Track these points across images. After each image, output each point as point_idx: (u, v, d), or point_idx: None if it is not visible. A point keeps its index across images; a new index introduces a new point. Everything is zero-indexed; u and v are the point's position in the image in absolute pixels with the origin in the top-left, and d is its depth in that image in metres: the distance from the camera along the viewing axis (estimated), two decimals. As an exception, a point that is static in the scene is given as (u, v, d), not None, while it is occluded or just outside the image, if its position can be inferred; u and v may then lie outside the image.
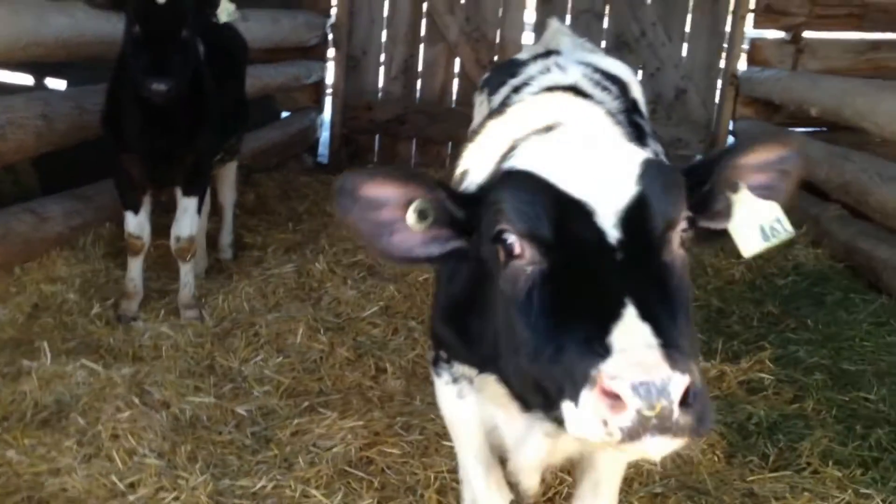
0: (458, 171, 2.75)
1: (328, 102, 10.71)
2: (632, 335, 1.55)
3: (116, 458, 3.81)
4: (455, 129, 9.91)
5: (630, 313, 1.59)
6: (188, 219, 5.48)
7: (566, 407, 1.60)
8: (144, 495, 3.61)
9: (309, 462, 3.95)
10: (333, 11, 10.26)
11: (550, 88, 2.92)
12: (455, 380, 2.71)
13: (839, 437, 4.35)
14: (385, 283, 6.14)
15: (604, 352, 1.54)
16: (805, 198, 7.95)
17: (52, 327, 5.10)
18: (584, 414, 1.53)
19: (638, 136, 2.95)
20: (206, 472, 3.78)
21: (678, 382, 1.48)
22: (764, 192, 2.15)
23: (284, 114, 10.19)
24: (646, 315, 1.59)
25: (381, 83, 10.57)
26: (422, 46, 10.44)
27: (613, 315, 1.59)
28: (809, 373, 5.04)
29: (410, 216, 1.94)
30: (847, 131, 8.03)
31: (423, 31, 10.36)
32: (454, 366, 2.67)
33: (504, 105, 2.92)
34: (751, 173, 2.14)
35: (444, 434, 4.24)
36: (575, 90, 2.90)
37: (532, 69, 3.47)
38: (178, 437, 4.06)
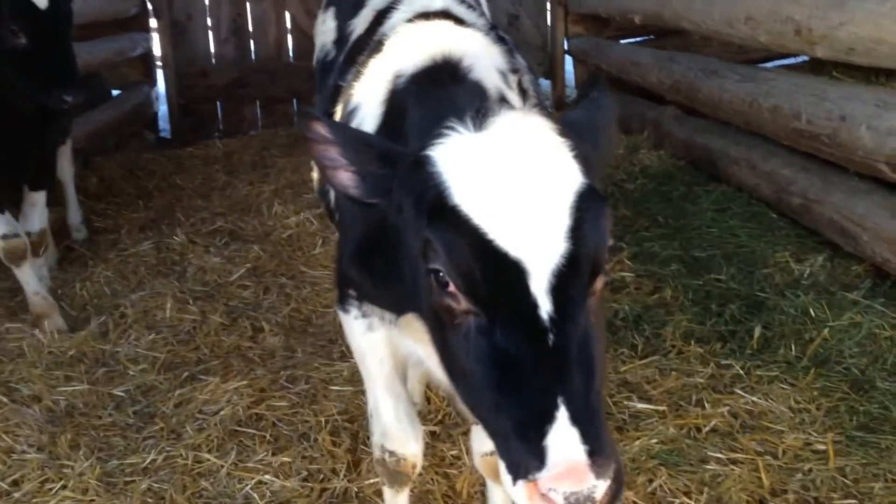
0: (346, 107, 2.72)
1: (160, 74, 10.28)
2: (564, 445, 1.63)
3: (-7, 459, 3.67)
4: (298, 84, 9.78)
5: (562, 417, 1.65)
6: (38, 213, 5.25)
7: (503, 469, 1.73)
8: (30, 490, 3.50)
9: (197, 429, 3.92)
10: (148, -22, 9.79)
11: (423, 15, 2.78)
12: (364, 314, 2.75)
13: (697, 317, 4.66)
14: (249, 245, 6.09)
15: (539, 461, 1.64)
16: (642, 103, 8.32)
17: None
18: (519, 496, 1.68)
19: (509, 49, 2.88)
20: (91, 457, 3.70)
21: (602, 488, 1.61)
22: None
23: (116, 92, 9.73)
24: (575, 418, 1.65)
25: (212, 47, 10.24)
26: (248, 4, 10.16)
27: (548, 417, 1.65)
28: (665, 265, 5.34)
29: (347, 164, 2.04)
30: (672, 35, 8.40)
31: (247, -12, 10.08)
32: (364, 304, 2.72)
33: (379, 41, 2.76)
34: None
35: (330, 380, 4.30)
36: (447, 15, 2.79)
37: None
38: (56, 427, 3.94)
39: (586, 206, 1.77)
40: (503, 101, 2.38)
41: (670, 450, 3.60)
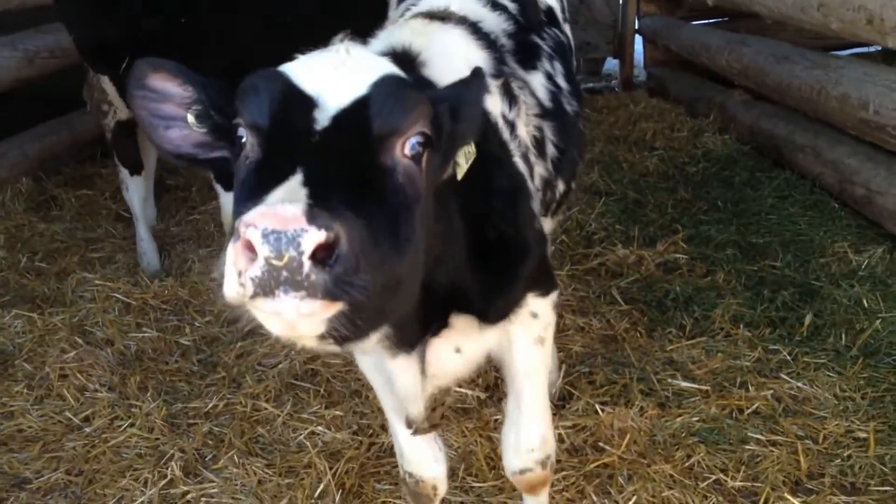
0: None
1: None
2: (283, 193, 1.52)
3: (68, 395, 3.94)
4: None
5: (296, 178, 1.56)
6: None
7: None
8: (100, 426, 3.76)
9: (256, 379, 4.13)
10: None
11: (427, 14, 2.79)
12: None
13: (748, 302, 4.69)
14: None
15: (253, 206, 1.49)
16: (710, 86, 8.26)
17: (-17, 284, 5.12)
18: (227, 268, 1.48)
19: (523, 58, 2.92)
20: (158, 399, 3.94)
21: (312, 236, 1.41)
22: None
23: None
24: (312, 181, 1.55)
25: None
26: None
27: (280, 179, 1.57)
28: (720, 249, 5.37)
29: (190, 116, 1.96)
30: (747, 18, 8.30)
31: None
32: None
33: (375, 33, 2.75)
34: None
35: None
36: (446, 16, 2.75)
37: None
38: (126, 370, 4.19)
39: (389, 82, 1.85)
40: None
41: (711, 428, 3.68)
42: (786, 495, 3.25)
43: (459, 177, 2.13)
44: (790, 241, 5.41)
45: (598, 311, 4.70)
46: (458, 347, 2.50)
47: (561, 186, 3.07)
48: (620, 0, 10.22)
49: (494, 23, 2.97)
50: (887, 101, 4.94)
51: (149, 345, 4.47)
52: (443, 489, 2.93)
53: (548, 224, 3.34)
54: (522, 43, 3.02)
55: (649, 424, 3.69)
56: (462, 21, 2.73)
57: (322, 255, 1.44)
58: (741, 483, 3.35)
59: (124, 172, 5.47)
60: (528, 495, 3.00)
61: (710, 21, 9.37)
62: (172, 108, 1.96)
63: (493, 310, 2.44)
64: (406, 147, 1.81)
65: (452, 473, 3.40)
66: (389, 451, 3.64)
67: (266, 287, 1.43)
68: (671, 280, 5.00)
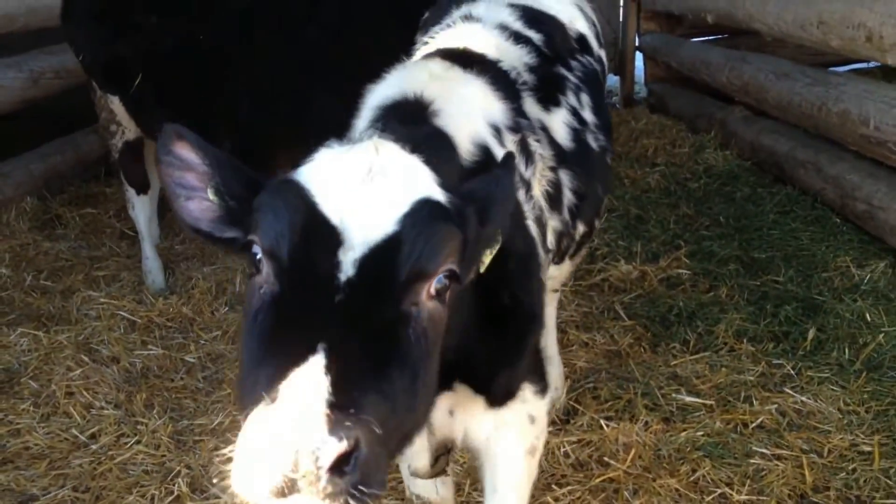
0: None
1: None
2: (301, 388, 1.39)
3: (74, 412, 3.95)
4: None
5: (315, 362, 1.42)
6: None
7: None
8: (107, 443, 3.77)
9: (262, 396, 4.12)
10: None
11: (448, 54, 2.68)
12: None
13: (752, 317, 4.70)
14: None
15: (262, 393, 1.41)
16: (711, 103, 8.31)
17: (-11, 303, 5.14)
18: (238, 460, 1.40)
19: (545, 95, 2.81)
20: (164, 416, 3.95)
21: (332, 448, 1.32)
22: None
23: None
24: (334, 366, 1.42)
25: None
26: None
27: (298, 359, 1.43)
28: (723, 264, 5.39)
29: (210, 191, 1.84)
30: (746, 36, 8.35)
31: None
32: None
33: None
34: None
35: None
36: (464, 55, 2.67)
37: (455, 15, 3.22)
38: (132, 387, 4.20)
39: (421, 214, 1.66)
40: (485, 153, 2.29)
41: (715, 442, 3.68)
42: (792, 510, 3.25)
43: (482, 270, 1.98)
44: (793, 256, 5.43)
45: (601, 326, 4.72)
46: (452, 411, 2.38)
47: (581, 229, 3.00)
48: (621, 18, 10.31)
49: (516, 56, 2.89)
50: (887, 117, 4.97)
51: (154, 362, 4.48)
52: None
53: (566, 267, 3.31)
54: (546, 76, 2.93)
55: (654, 439, 3.70)
56: (483, 70, 2.58)
57: (340, 462, 1.35)
58: (746, 497, 3.36)
59: (131, 191, 5.51)
60: None
61: (711, 38, 9.43)
62: (194, 178, 1.84)
63: (496, 383, 2.35)
64: (432, 288, 1.68)
65: (458, 488, 3.41)
66: (395, 467, 3.64)
67: (280, 492, 1.36)
68: (674, 295, 5.02)
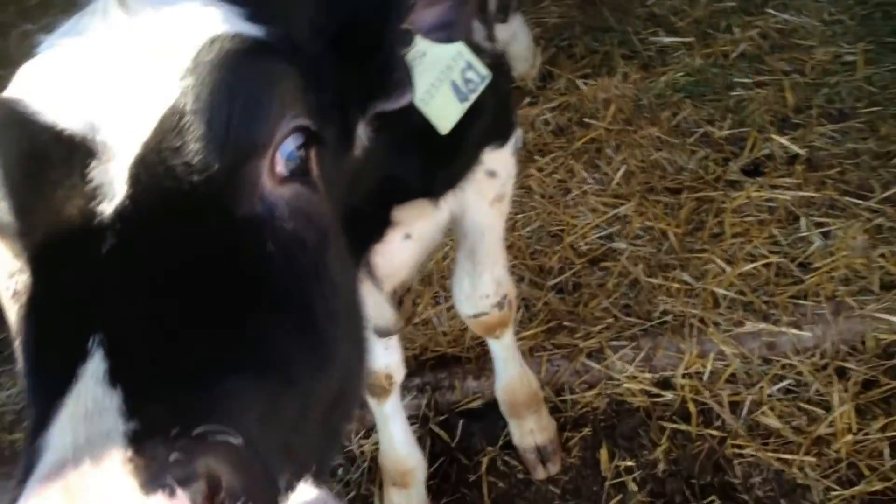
0: None
1: None
2: (77, 425, 0.83)
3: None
4: None
5: (90, 371, 0.86)
6: None
7: None
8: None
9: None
10: None
11: None
12: None
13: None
14: None
15: (36, 460, 0.83)
16: None
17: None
18: None
19: None
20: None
21: None
22: (440, 34, 1.38)
23: None
24: (126, 364, 0.87)
25: None
26: None
27: (68, 377, 0.87)
28: None
29: None
30: None
31: None
32: None
33: None
34: (419, 14, 1.34)
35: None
36: None
37: None
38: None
39: (211, 61, 1.04)
40: None
41: (696, 81, 3.60)
42: (773, 135, 3.24)
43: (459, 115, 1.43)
44: None
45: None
46: (408, 233, 1.94)
47: None
48: None
49: None
50: None
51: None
52: (399, 377, 2.43)
53: None
54: None
55: (633, 89, 3.62)
56: None
57: None
58: (728, 131, 3.34)
59: None
60: (488, 338, 2.53)
61: None
62: None
63: (439, 185, 1.86)
64: (279, 166, 1.07)
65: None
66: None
67: None
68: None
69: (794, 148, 3.17)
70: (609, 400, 2.61)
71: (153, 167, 0.97)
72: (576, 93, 3.67)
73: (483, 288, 2.30)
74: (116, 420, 0.81)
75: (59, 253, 0.96)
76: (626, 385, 2.61)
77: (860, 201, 2.93)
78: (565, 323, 2.81)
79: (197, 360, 0.89)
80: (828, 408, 2.45)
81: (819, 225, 2.90)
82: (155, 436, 0.80)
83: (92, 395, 0.84)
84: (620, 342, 2.71)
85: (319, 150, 1.12)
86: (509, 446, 2.53)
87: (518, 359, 2.54)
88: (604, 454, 2.47)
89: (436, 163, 1.74)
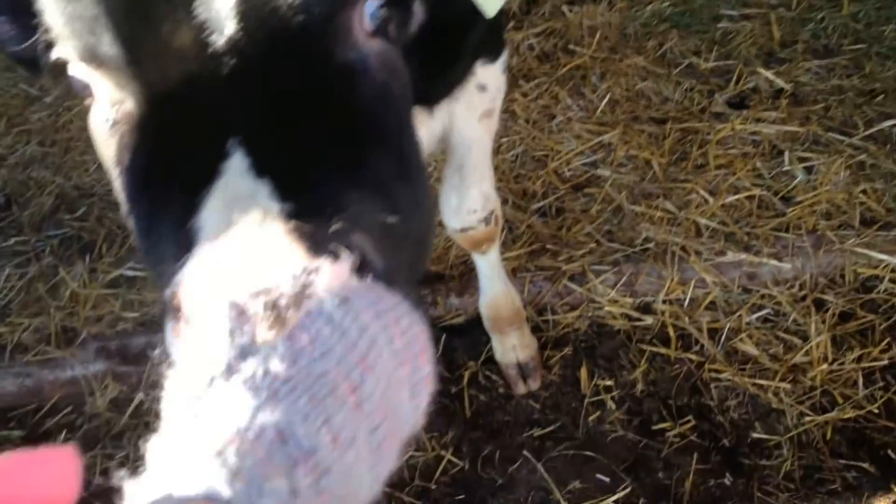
0: None
1: None
2: (231, 206, 0.87)
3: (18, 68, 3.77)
4: None
5: (235, 166, 0.91)
6: None
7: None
8: (60, 94, 3.64)
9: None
10: None
11: None
12: None
13: None
14: None
15: (187, 246, 0.87)
16: None
17: None
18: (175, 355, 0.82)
19: None
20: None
21: (323, 278, 0.78)
22: None
23: None
24: (267, 162, 0.91)
25: None
26: None
27: (209, 172, 0.91)
28: None
29: None
30: None
31: None
32: None
33: None
34: None
35: None
36: None
37: None
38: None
39: None
40: None
41: (682, 11, 3.58)
42: (758, 69, 3.24)
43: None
44: None
45: None
46: None
47: None
48: None
49: None
50: None
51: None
52: None
53: None
54: None
55: (619, 17, 3.58)
56: None
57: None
58: (714, 63, 3.32)
59: None
60: (474, 252, 2.54)
61: None
62: None
63: (436, 92, 1.88)
64: (365, 20, 1.07)
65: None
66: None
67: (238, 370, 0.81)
68: None
69: (780, 82, 3.17)
70: (590, 322, 2.62)
71: (258, 5, 0.97)
72: (561, 19, 3.61)
73: (470, 202, 2.32)
74: (270, 202, 0.86)
75: (174, 77, 0.97)
76: (607, 308, 2.62)
77: (844, 137, 2.95)
78: (548, 246, 2.80)
79: (329, 172, 0.94)
80: (805, 337, 2.49)
81: (802, 159, 2.92)
82: (312, 213, 0.85)
83: (241, 184, 0.89)
84: (602, 266, 2.71)
85: (394, 15, 1.13)
86: (491, 362, 2.53)
87: (503, 276, 2.53)
88: (583, 373, 2.48)
89: (436, 68, 1.73)
